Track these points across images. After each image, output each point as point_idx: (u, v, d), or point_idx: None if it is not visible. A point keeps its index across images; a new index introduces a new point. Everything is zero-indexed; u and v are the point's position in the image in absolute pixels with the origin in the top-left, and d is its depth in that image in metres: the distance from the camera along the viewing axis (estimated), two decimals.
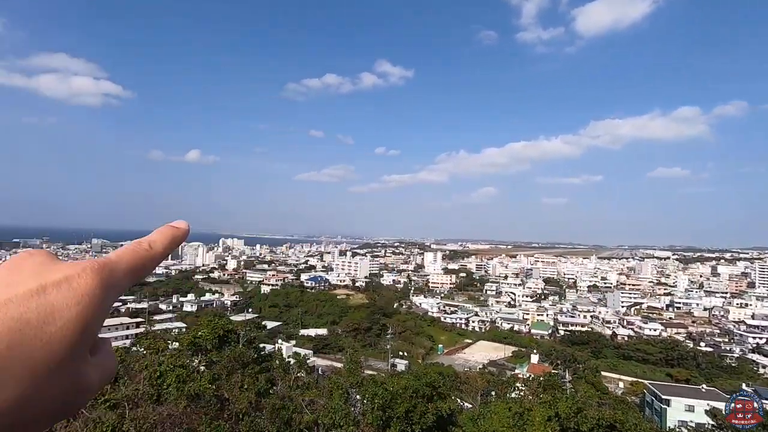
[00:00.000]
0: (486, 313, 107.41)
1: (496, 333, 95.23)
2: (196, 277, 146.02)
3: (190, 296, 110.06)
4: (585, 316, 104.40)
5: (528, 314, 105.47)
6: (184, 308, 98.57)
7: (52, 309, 0.39)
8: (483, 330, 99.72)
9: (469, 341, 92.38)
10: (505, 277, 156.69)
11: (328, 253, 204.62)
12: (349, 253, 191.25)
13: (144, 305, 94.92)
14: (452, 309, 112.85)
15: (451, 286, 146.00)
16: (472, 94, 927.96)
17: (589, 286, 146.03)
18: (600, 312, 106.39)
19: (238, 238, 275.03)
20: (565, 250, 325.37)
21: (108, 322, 69.17)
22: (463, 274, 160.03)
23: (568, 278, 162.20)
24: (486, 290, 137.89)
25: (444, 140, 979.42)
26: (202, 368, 20.28)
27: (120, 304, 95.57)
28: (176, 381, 15.26)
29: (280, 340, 65.63)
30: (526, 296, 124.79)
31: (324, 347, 78.00)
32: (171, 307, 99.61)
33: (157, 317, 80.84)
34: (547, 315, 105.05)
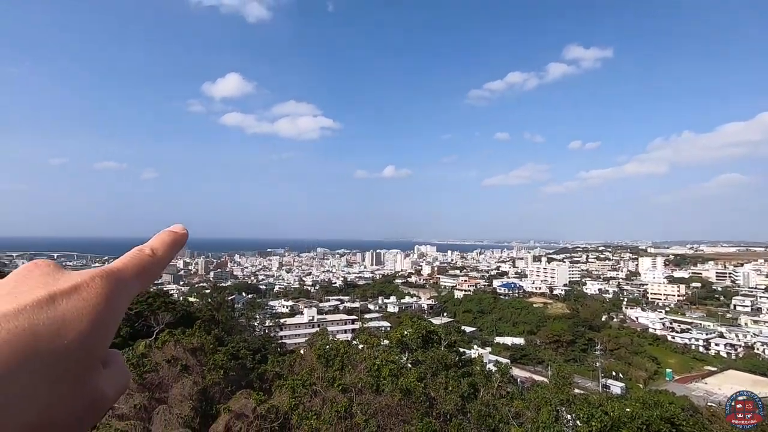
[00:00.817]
0: (737, 335, 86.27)
1: (755, 362, 75.21)
2: (396, 281, 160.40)
3: (392, 298, 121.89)
4: None
5: None
6: (388, 309, 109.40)
7: (64, 320, 0.37)
8: (733, 356, 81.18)
9: (712, 368, 75.78)
10: (766, 289, 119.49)
11: (521, 258, 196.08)
12: (544, 259, 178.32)
13: (356, 305, 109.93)
14: (683, 327, 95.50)
15: (680, 298, 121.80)
16: (695, 56, 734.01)
17: None
18: None
19: (430, 245, 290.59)
20: None
21: (330, 317, 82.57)
22: (697, 284, 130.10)
23: None
24: (735, 305, 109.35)
25: (658, 122, 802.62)
26: (409, 366, 22.10)
27: (338, 303, 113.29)
28: (390, 375, 17.02)
29: (475, 346, 66.03)
30: None
31: (521, 357, 75.33)
32: (377, 308, 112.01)
33: (366, 316, 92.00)
34: None
